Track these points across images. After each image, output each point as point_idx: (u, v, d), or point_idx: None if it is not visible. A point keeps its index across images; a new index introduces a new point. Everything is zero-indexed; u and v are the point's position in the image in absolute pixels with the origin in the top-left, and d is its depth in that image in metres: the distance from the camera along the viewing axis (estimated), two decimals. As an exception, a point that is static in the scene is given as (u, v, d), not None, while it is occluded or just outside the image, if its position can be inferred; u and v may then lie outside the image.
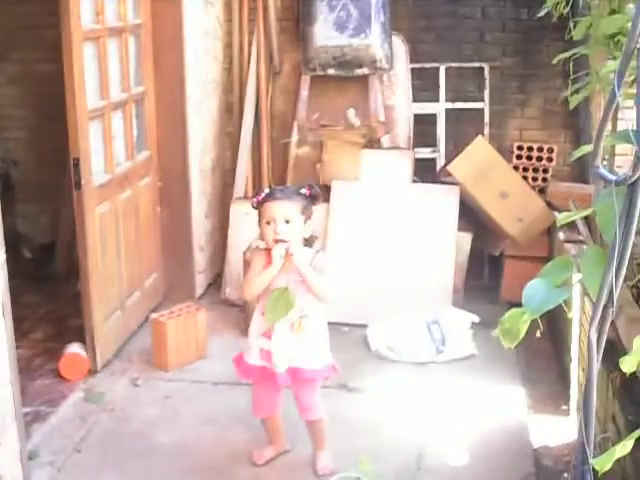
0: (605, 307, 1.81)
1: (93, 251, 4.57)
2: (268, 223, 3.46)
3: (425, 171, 6.02)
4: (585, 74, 4.19)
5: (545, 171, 5.94)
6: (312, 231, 3.57)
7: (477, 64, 6.11)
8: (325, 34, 5.70)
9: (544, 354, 4.93)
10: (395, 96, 6.01)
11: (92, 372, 4.66)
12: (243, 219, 5.55)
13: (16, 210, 6.53)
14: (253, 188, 6.01)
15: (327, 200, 5.63)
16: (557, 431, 4.12)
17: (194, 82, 5.53)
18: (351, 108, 5.93)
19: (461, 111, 6.17)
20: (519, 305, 1.98)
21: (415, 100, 6.07)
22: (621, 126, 3.74)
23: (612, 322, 1.87)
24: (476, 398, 4.46)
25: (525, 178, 5.86)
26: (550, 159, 5.93)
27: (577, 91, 4.11)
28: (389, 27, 5.78)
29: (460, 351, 4.94)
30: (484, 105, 6.12)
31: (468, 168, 5.59)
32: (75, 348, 4.68)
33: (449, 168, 5.63)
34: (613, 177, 1.76)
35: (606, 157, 4.01)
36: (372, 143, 5.96)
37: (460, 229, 5.60)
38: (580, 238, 4.71)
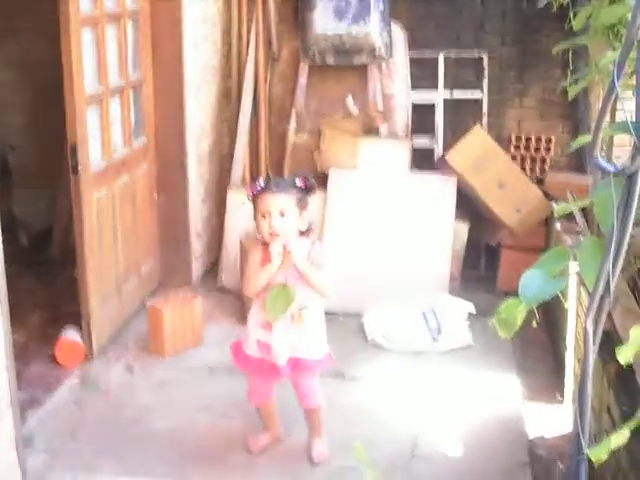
0: (602, 297, 1.82)
1: (90, 237, 4.56)
2: (263, 216, 3.45)
3: (423, 160, 6.02)
4: (584, 65, 4.19)
5: (543, 161, 5.93)
6: (308, 222, 3.57)
7: (476, 53, 6.09)
8: (324, 22, 5.69)
9: (540, 344, 4.94)
10: (394, 85, 6.00)
11: (88, 358, 4.66)
12: (240, 206, 5.54)
13: (13, 195, 6.52)
14: (250, 174, 6.01)
15: (324, 188, 5.63)
16: (552, 421, 4.13)
17: (192, 68, 5.52)
18: (349, 96, 5.92)
19: (459, 100, 6.15)
20: (515, 295, 1.98)
21: (413, 89, 6.06)
22: (620, 117, 3.74)
23: (608, 313, 1.87)
24: (471, 387, 4.46)
25: (523, 168, 5.86)
26: (548, 149, 5.93)
27: (576, 81, 4.10)
28: (388, 15, 5.77)
29: (456, 341, 4.94)
30: (482, 95, 6.11)
31: (466, 158, 5.58)
32: (71, 334, 4.68)
33: (447, 157, 5.62)
34: (611, 168, 1.76)
35: (604, 148, 4.01)
36: (370, 132, 5.95)
37: (457, 219, 5.60)
38: (577, 229, 4.71)
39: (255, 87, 6.04)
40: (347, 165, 5.75)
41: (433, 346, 4.91)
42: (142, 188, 5.32)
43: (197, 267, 5.87)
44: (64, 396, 4.32)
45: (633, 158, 1.68)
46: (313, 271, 3.46)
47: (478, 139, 5.64)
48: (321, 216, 5.54)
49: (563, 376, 4.34)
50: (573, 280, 3.98)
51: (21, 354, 4.45)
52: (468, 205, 5.74)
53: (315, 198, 3.82)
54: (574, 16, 3.92)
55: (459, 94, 6.14)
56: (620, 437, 1.87)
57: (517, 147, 5.96)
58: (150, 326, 4.86)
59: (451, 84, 6.14)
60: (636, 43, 1.68)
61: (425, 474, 3.66)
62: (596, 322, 1.84)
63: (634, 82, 1.72)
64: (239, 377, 4.30)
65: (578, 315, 4.04)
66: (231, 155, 6.08)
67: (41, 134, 6.41)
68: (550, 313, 4.91)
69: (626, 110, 1.78)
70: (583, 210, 4.71)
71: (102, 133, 4.77)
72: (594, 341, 1.84)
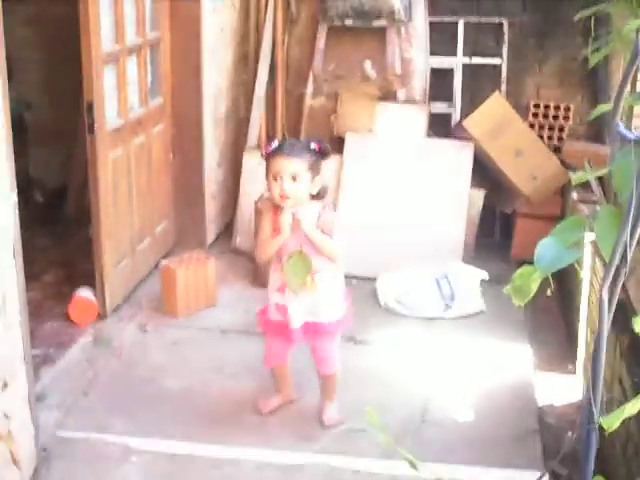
0: (618, 268, 1.81)
1: (105, 196, 4.57)
2: (275, 179, 3.43)
3: (440, 126, 5.98)
4: (606, 33, 4.13)
5: (561, 130, 5.88)
6: (321, 185, 3.55)
7: (496, 19, 6.03)
8: (344, -17, 5.65)
9: (552, 313, 4.94)
10: (412, 49, 5.95)
11: (101, 317, 4.68)
12: (255, 169, 5.53)
13: (28, 153, 6.52)
14: (267, 138, 5.99)
15: (340, 152, 5.61)
16: (562, 390, 4.14)
17: (210, 29, 5.48)
18: (367, 60, 5.88)
19: (478, 67, 6.11)
20: (530, 263, 1.97)
21: (432, 54, 6.02)
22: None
23: (622, 283, 1.86)
24: (482, 354, 4.47)
25: (541, 136, 5.81)
26: (566, 118, 5.87)
27: (597, 49, 4.05)
28: (408, -22, 5.72)
29: (469, 307, 4.94)
30: (502, 61, 6.06)
31: (484, 124, 5.55)
32: (85, 292, 4.70)
33: (464, 124, 5.59)
34: (632, 136, 1.74)
35: (623, 118, 3.97)
36: (388, 96, 5.92)
37: (473, 185, 5.58)
38: (594, 198, 4.69)
39: (273, 50, 6.00)
40: (364, 129, 5.72)
41: (446, 312, 4.91)
42: (158, 149, 5.32)
43: (211, 229, 5.88)
44: (77, 354, 4.35)
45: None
46: (322, 237, 3.45)
47: (496, 106, 5.60)
48: (337, 180, 5.53)
49: (575, 346, 4.34)
50: (588, 250, 3.97)
51: (35, 312, 4.47)
52: (484, 172, 5.72)
53: (331, 162, 3.81)
54: (597, -18, 3.87)
55: (478, 60, 6.09)
56: (634, 407, 1.87)
57: (535, 115, 5.91)
58: (163, 286, 4.88)
59: (470, 50, 6.09)
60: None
61: (435, 439, 3.68)
62: (611, 292, 1.83)
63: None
64: (251, 339, 4.32)
65: (592, 285, 4.03)
66: (247, 119, 6.06)
67: (58, 92, 6.39)
68: (563, 283, 4.91)
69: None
70: (600, 180, 4.68)
71: (119, 92, 4.75)
72: (609, 310, 1.84)
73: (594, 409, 1.86)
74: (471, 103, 5.93)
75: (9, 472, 3.20)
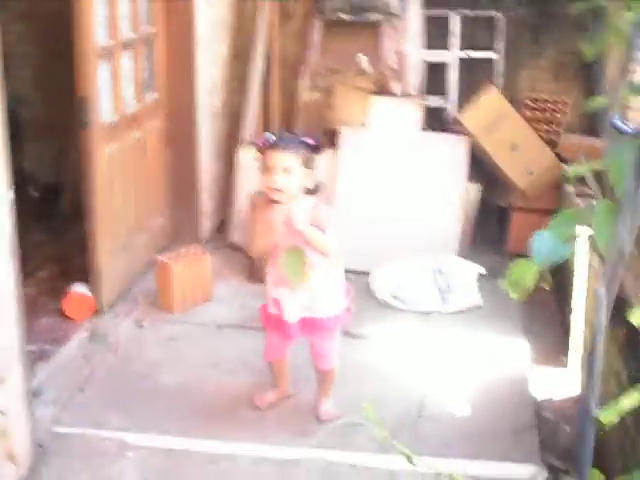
0: (615, 262, 1.80)
1: (100, 191, 4.55)
2: (268, 172, 3.43)
3: (435, 120, 5.98)
4: (602, 26, 4.13)
5: (557, 124, 5.87)
6: (317, 182, 3.54)
7: (492, 13, 6.02)
8: (338, -23, 5.64)
9: (549, 307, 4.94)
10: (407, 43, 5.94)
11: (97, 312, 4.66)
12: (250, 163, 5.51)
13: (23, 149, 6.49)
14: (261, 132, 5.97)
15: (335, 146, 5.60)
16: (559, 384, 4.14)
17: (205, 23, 5.47)
18: (362, 54, 5.87)
19: (473, 61, 6.10)
20: (525, 257, 1.96)
21: (427, 48, 6.01)
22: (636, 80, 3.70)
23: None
24: (479, 348, 4.47)
25: (536, 130, 5.80)
26: (562, 111, 5.86)
27: (593, 43, 4.05)
28: (403, -28, 5.71)
29: (465, 302, 4.94)
30: (497, 55, 6.05)
31: (479, 118, 5.54)
32: (80, 288, 4.69)
33: (460, 118, 5.58)
34: (628, 129, 1.74)
35: (618, 111, 3.97)
36: (383, 90, 5.91)
37: (469, 180, 5.58)
38: (589, 192, 4.68)
39: (267, 44, 5.99)
40: (359, 123, 5.71)
41: (442, 306, 4.91)
42: (153, 144, 5.30)
43: (207, 224, 5.87)
44: (73, 350, 4.34)
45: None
46: (314, 233, 3.44)
47: (492, 100, 5.60)
48: (332, 173, 5.52)
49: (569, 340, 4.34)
50: (584, 244, 3.96)
51: (31, 307, 4.46)
52: (480, 166, 5.71)
53: (326, 155, 3.80)
54: (592, -24, 3.87)
55: (473, 54, 6.08)
56: (631, 400, 1.87)
57: (531, 109, 5.90)
58: (159, 281, 4.87)
59: (465, 44, 6.08)
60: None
61: (432, 433, 3.68)
62: (608, 286, 1.83)
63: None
64: (247, 334, 4.32)
65: (588, 278, 4.03)
66: (242, 113, 6.04)
67: (51, 87, 6.37)
68: (559, 276, 4.90)
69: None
70: (595, 173, 4.68)
71: (113, 87, 4.74)
72: (607, 305, 1.83)
73: (591, 403, 1.86)
74: (466, 97, 5.92)
75: (5, 468, 3.19)
